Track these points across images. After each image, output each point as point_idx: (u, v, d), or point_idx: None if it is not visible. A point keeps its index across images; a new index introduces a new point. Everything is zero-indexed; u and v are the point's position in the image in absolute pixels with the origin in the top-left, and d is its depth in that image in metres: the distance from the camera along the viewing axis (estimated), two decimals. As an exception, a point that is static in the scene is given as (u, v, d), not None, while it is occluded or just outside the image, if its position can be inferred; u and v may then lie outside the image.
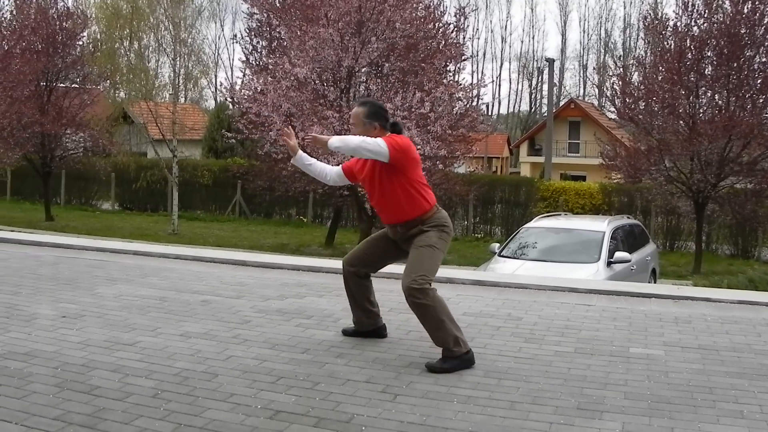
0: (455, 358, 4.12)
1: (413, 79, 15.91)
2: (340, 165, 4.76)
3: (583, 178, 32.70)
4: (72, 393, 3.59)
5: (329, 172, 4.75)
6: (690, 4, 17.27)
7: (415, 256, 4.27)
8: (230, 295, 5.99)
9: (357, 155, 4.39)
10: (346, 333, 4.83)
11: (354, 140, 4.26)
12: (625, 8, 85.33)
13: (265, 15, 21.93)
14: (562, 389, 3.81)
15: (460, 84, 18.46)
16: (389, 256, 4.64)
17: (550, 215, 13.88)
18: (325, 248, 20.10)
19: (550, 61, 33.42)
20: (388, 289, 6.26)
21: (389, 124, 4.48)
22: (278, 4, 20.79)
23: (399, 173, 4.30)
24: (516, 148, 46.88)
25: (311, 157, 4.80)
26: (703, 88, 17.38)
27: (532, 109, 63.95)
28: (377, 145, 4.22)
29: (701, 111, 17.41)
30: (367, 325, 4.74)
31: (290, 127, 4.98)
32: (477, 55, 58.19)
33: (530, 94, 64.20)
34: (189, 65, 23.26)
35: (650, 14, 20.09)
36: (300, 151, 4.59)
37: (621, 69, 20.24)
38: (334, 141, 4.27)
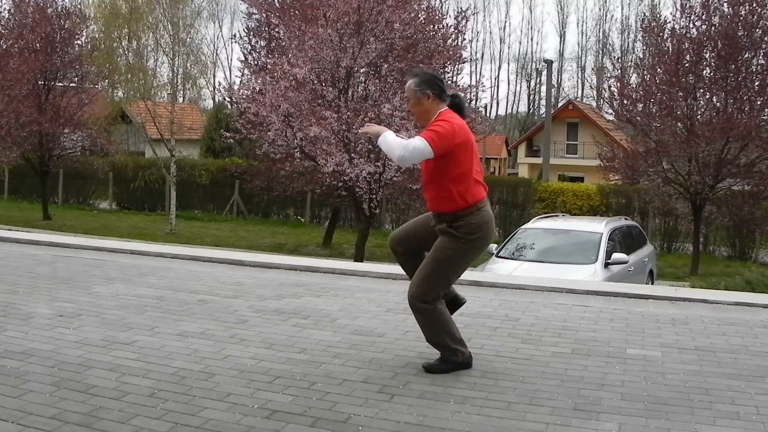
0: (451, 361, 4.13)
1: (411, 79, 15.88)
2: None
3: (581, 180, 32.73)
4: (68, 392, 3.58)
5: None
6: (687, 6, 17.31)
7: (428, 268, 4.06)
8: (227, 295, 5.98)
9: (399, 162, 4.01)
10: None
11: (395, 144, 3.96)
12: (622, 10, 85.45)
13: (264, 15, 21.93)
14: (559, 390, 3.82)
15: (459, 85, 18.47)
16: (432, 238, 4.20)
17: (548, 216, 13.88)
18: (323, 248, 20.11)
19: (549, 63, 33.45)
20: (385, 290, 6.27)
21: (446, 94, 4.13)
22: (277, 4, 20.80)
23: (441, 160, 3.98)
24: (514, 149, 46.94)
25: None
26: (701, 90, 17.43)
27: (531, 110, 64.06)
28: (415, 149, 3.88)
29: (699, 113, 17.45)
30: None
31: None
32: (476, 56, 58.26)
33: (528, 95, 64.34)
34: (187, 65, 23.28)
35: (647, 16, 20.09)
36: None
37: (619, 71, 20.30)
38: (381, 139, 4.04)
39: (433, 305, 4.07)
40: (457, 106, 4.17)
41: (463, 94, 17.72)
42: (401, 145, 3.93)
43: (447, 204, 4.04)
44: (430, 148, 3.88)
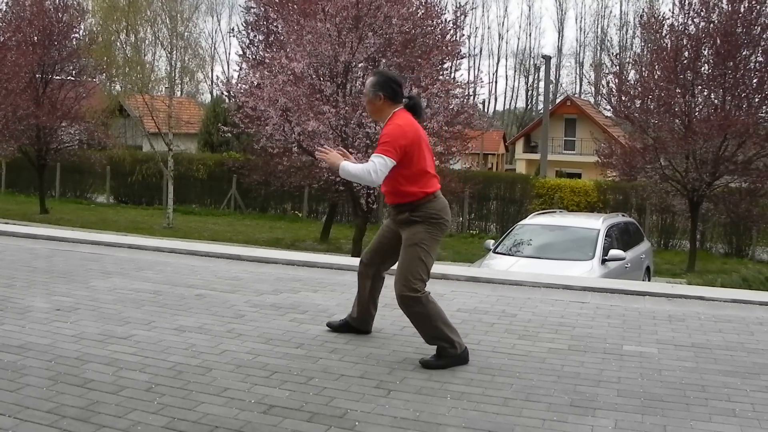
0: (450, 356, 4.14)
1: (410, 75, 15.90)
2: None
3: (579, 176, 32.72)
4: (66, 386, 3.59)
5: None
6: (686, 2, 17.30)
7: (405, 259, 4.19)
8: (225, 290, 5.98)
9: (376, 184, 4.23)
10: (331, 326, 4.80)
11: (361, 172, 4.17)
12: (621, 6, 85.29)
13: (263, 9, 21.90)
14: (556, 386, 3.83)
15: (457, 81, 18.45)
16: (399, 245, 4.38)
17: (546, 212, 13.90)
18: (320, 243, 20.10)
19: (547, 59, 33.41)
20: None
21: (401, 96, 4.31)
22: (276, -2, 20.74)
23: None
24: (512, 145, 46.86)
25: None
26: (699, 87, 17.42)
27: (529, 106, 64.09)
28: (378, 168, 4.09)
29: (697, 110, 17.45)
30: (357, 324, 4.71)
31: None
32: (474, 52, 58.25)
33: (527, 91, 64.41)
34: (185, 59, 23.21)
35: (646, 12, 20.07)
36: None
37: (617, 67, 20.28)
38: (342, 172, 4.22)
39: (424, 294, 4.15)
40: (413, 107, 4.36)
41: (461, 90, 17.82)
42: (366, 170, 4.14)
43: (404, 197, 4.26)
44: (391, 158, 4.10)
